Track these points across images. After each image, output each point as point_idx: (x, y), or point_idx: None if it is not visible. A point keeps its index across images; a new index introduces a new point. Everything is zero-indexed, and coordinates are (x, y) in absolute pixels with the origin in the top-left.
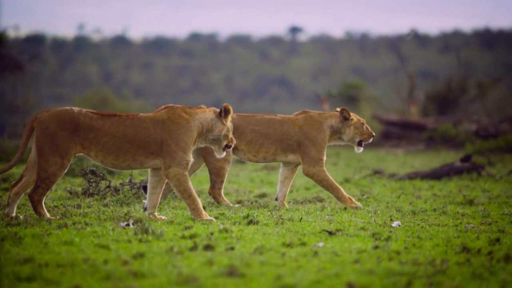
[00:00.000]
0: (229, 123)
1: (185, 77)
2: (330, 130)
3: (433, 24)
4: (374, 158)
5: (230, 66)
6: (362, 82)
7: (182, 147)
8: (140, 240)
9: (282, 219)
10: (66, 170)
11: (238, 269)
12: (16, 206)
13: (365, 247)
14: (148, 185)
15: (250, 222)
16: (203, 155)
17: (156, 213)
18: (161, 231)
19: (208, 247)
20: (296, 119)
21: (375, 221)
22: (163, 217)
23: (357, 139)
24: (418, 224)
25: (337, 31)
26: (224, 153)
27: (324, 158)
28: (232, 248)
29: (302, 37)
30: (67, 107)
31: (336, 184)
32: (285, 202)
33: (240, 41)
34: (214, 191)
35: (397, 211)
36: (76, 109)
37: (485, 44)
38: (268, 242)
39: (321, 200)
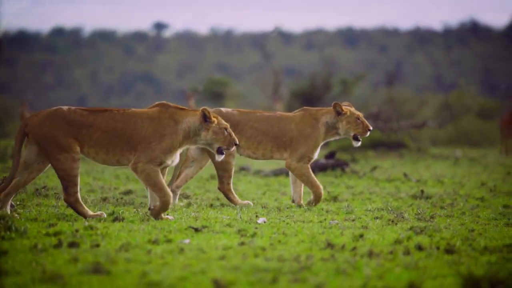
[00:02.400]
0: (215, 126)
1: (48, 73)
2: (326, 127)
3: (297, 21)
4: None
5: (94, 62)
6: (227, 78)
7: (163, 148)
8: (3, 238)
9: (148, 216)
10: (80, 163)
11: (104, 266)
12: (8, 206)
13: (231, 243)
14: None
15: (115, 219)
16: (207, 150)
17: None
18: (25, 228)
19: (73, 244)
20: (293, 116)
21: (241, 218)
22: (169, 217)
23: (352, 133)
24: (284, 221)
25: (202, 27)
26: (221, 157)
27: (314, 156)
28: (98, 245)
29: (167, 33)
30: (55, 107)
31: (316, 181)
32: (302, 202)
33: (105, 36)
34: (223, 186)
35: (262, 207)
36: (65, 107)
37: (348, 42)
38: (133, 239)
39: (187, 197)
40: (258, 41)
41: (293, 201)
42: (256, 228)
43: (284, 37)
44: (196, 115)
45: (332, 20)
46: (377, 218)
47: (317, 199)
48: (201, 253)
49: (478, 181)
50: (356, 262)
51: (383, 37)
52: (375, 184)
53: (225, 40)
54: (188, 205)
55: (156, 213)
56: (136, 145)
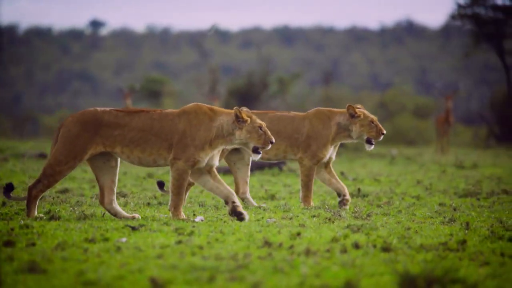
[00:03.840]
0: (249, 125)
1: None
2: (337, 127)
3: (234, 20)
4: None
5: (30, 59)
6: (164, 77)
7: (196, 144)
8: None
9: (84, 214)
10: (71, 171)
11: (40, 265)
12: (119, 208)
13: (168, 242)
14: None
15: (52, 218)
16: None
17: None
18: None
19: (8, 243)
20: (306, 115)
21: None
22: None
23: (365, 137)
24: (221, 219)
25: (138, 25)
26: (258, 156)
27: (325, 156)
28: (33, 244)
29: (103, 31)
30: (91, 108)
31: (312, 187)
32: (348, 197)
33: (40, 34)
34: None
35: (200, 206)
36: (100, 109)
37: (285, 41)
38: (70, 238)
39: (124, 196)
40: (195, 39)
41: (340, 201)
42: (194, 226)
43: (221, 35)
44: (230, 114)
45: (268, 18)
46: (314, 216)
47: (306, 202)
48: (138, 251)
49: (414, 179)
50: (293, 260)
51: (320, 36)
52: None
53: (162, 38)
54: (125, 203)
55: (173, 216)
56: (173, 143)
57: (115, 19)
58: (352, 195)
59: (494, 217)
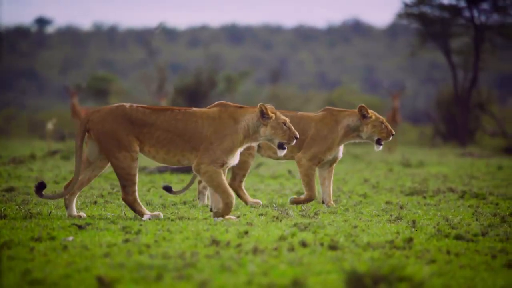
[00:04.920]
0: (273, 122)
1: None
2: (345, 130)
3: (181, 18)
4: None
5: None
6: (111, 75)
7: (224, 148)
8: None
9: (30, 213)
10: (138, 162)
11: None
12: (74, 205)
13: (115, 240)
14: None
15: None
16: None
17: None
18: None
19: None
20: (314, 116)
21: (125, 215)
22: (233, 217)
23: (376, 137)
24: (168, 218)
25: (85, 23)
26: (283, 152)
27: (326, 158)
28: None
29: (49, 29)
30: (117, 104)
31: (314, 187)
32: (331, 202)
33: None
34: (234, 183)
35: (147, 204)
36: (127, 104)
37: (233, 39)
38: (16, 237)
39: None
40: (142, 37)
41: (322, 202)
42: (141, 225)
43: (168, 33)
44: (254, 112)
45: (216, 17)
46: (261, 214)
47: (302, 201)
48: (85, 250)
49: (361, 177)
50: (241, 258)
51: (268, 34)
52: (260, 181)
53: (109, 36)
54: None
55: (220, 216)
56: (197, 145)
57: (61, 17)
58: (299, 193)
59: (440, 215)
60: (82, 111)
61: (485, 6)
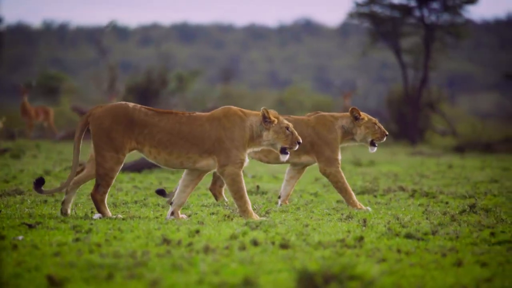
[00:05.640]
0: (276, 126)
1: None
2: (342, 131)
3: (132, 16)
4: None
5: None
6: (62, 73)
7: (236, 145)
8: None
9: None
10: (122, 165)
11: None
12: (72, 200)
13: (66, 239)
14: (181, 182)
15: None
16: None
17: (179, 212)
18: None
19: None
20: (308, 119)
21: (76, 214)
22: (184, 216)
23: (369, 139)
24: (120, 216)
25: (35, 21)
26: (286, 157)
27: (339, 157)
28: None
29: None
30: (121, 102)
31: (350, 189)
32: (287, 202)
33: None
34: (215, 187)
35: None
36: (130, 104)
37: (184, 38)
38: None
39: (20, 193)
40: (93, 35)
41: (279, 197)
42: (92, 224)
43: (119, 32)
44: (258, 115)
45: (167, 15)
46: (213, 213)
47: (353, 205)
48: (35, 249)
49: (312, 176)
50: (192, 257)
51: (219, 33)
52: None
53: (59, 34)
54: (22, 201)
55: (246, 219)
56: (208, 148)
57: (10, 14)
58: (251, 192)
59: (390, 214)
60: (32, 110)
61: (435, 5)
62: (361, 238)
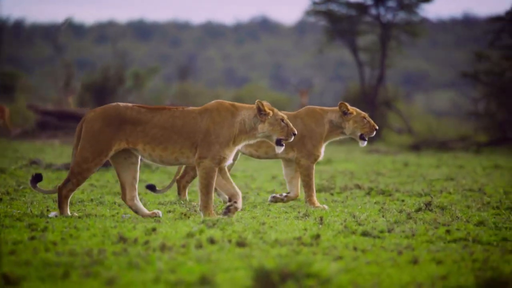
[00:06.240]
0: (271, 118)
1: None
2: (330, 125)
3: (88, 13)
4: (30, 149)
5: None
6: (17, 71)
7: (221, 141)
8: None
9: None
10: (98, 168)
11: None
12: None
13: (21, 238)
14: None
15: None
16: None
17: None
18: None
19: None
20: (297, 113)
21: (31, 212)
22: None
23: (358, 133)
24: (76, 214)
25: None
26: (281, 148)
27: (320, 154)
28: None
29: None
30: (113, 103)
31: (314, 187)
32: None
33: None
34: (182, 180)
35: (54, 201)
36: (122, 104)
37: (140, 35)
38: None
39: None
40: (49, 32)
41: (288, 193)
42: (47, 222)
43: (75, 29)
44: (251, 108)
45: (123, 12)
46: (169, 211)
47: (310, 202)
48: None
49: (269, 174)
50: (149, 255)
51: (175, 31)
52: (168, 177)
53: (14, 31)
54: None
55: (205, 215)
56: (197, 141)
57: None
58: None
59: (347, 212)
60: None
61: (391, 4)
62: (317, 236)
